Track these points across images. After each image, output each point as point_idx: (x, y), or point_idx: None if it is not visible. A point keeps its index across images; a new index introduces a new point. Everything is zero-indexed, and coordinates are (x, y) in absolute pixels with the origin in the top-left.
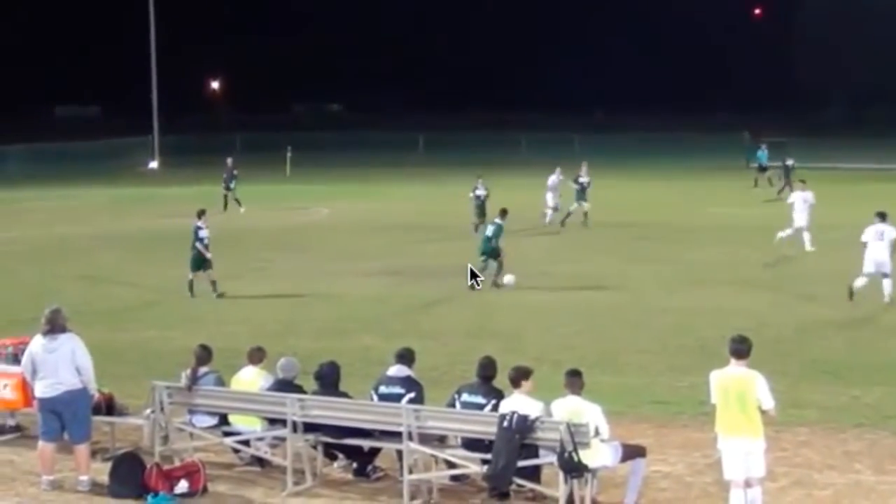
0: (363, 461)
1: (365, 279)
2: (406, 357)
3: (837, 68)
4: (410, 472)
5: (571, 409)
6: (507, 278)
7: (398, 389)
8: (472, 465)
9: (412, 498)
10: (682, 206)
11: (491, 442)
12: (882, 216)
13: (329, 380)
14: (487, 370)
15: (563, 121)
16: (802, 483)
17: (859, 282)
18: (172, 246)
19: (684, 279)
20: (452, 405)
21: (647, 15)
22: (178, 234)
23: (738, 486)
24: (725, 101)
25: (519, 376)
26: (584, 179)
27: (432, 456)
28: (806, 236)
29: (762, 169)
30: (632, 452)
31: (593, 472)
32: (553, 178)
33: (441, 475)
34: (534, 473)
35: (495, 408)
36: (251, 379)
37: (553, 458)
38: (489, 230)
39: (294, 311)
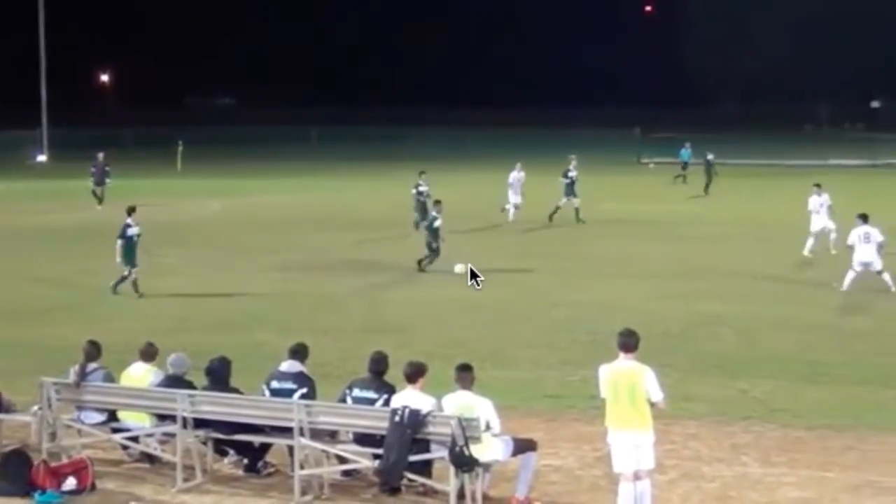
0: (254, 457)
1: (258, 274)
2: (299, 353)
3: (728, 64)
4: (301, 467)
5: (462, 403)
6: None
7: (290, 385)
8: (364, 460)
9: (303, 493)
10: (582, 202)
11: (382, 437)
12: (864, 218)
13: (219, 375)
14: (379, 365)
15: (456, 116)
16: (691, 475)
17: (849, 276)
18: (64, 241)
19: (579, 274)
20: (344, 400)
21: (539, 11)
22: (70, 228)
23: (628, 478)
24: (618, 97)
25: (416, 373)
26: (573, 174)
27: (323, 451)
28: (832, 237)
29: (685, 166)
30: (523, 446)
31: (484, 466)
32: (514, 175)
33: (332, 470)
34: (425, 468)
35: (387, 403)
36: (141, 375)
37: (444, 453)
38: (438, 223)
39: (186, 306)
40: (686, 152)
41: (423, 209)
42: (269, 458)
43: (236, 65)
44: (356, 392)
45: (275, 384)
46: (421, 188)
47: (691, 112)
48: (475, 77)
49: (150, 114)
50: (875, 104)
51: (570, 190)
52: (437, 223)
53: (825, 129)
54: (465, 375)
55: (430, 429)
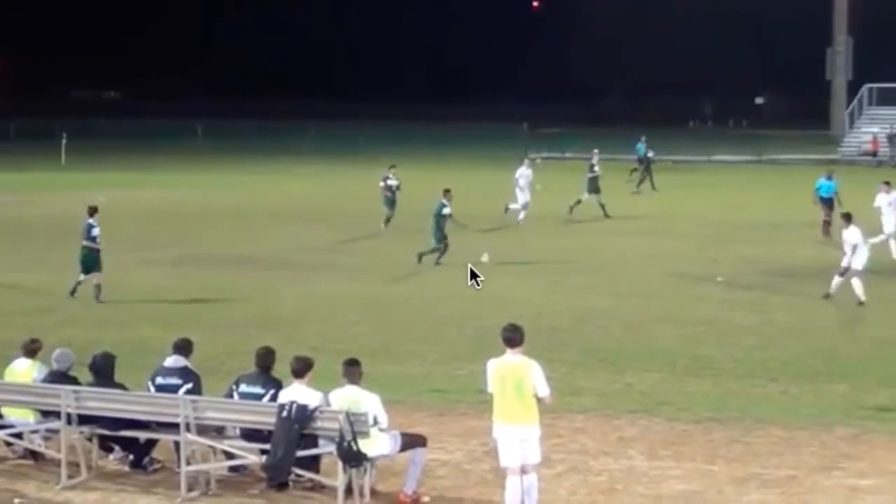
0: (140, 453)
1: (145, 268)
2: (183, 347)
3: (615, 60)
4: (188, 463)
5: (350, 398)
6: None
7: (175, 380)
8: (251, 456)
9: (190, 489)
10: (474, 197)
11: (270, 432)
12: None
13: (103, 371)
14: (266, 360)
15: (352, 110)
16: (578, 469)
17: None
18: None
19: (468, 268)
20: (230, 395)
21: (431, 4)
22: None
23: (515, 472)
24: (507, 92)
25: (303, 368)
26: (597, 169)
27: (210, 447)
28: (892, 243)
29: (640, 161)
30: (412, 442)
31: (372, 461)
32: (521, 171)
33: (219, 466)
34: (313, 463)
35: (274, 398)
36: (25, 370)
37: (332, 448)
38: (446, 210)
39: (71, 301)
40: (641, 146)
41: (391, 204)
42: (155, 454)
43: (123, 58)
44: (243, 387)
45: (160, 380)
46: (390, 182)
47: (577, 108)
48: (370, 72)
49: (35, 106)
50: (759, 100)
51: (593, 186)
52: (446, 211)
53: (710, 125)
54: (352, 370)
55: (318, 424)
